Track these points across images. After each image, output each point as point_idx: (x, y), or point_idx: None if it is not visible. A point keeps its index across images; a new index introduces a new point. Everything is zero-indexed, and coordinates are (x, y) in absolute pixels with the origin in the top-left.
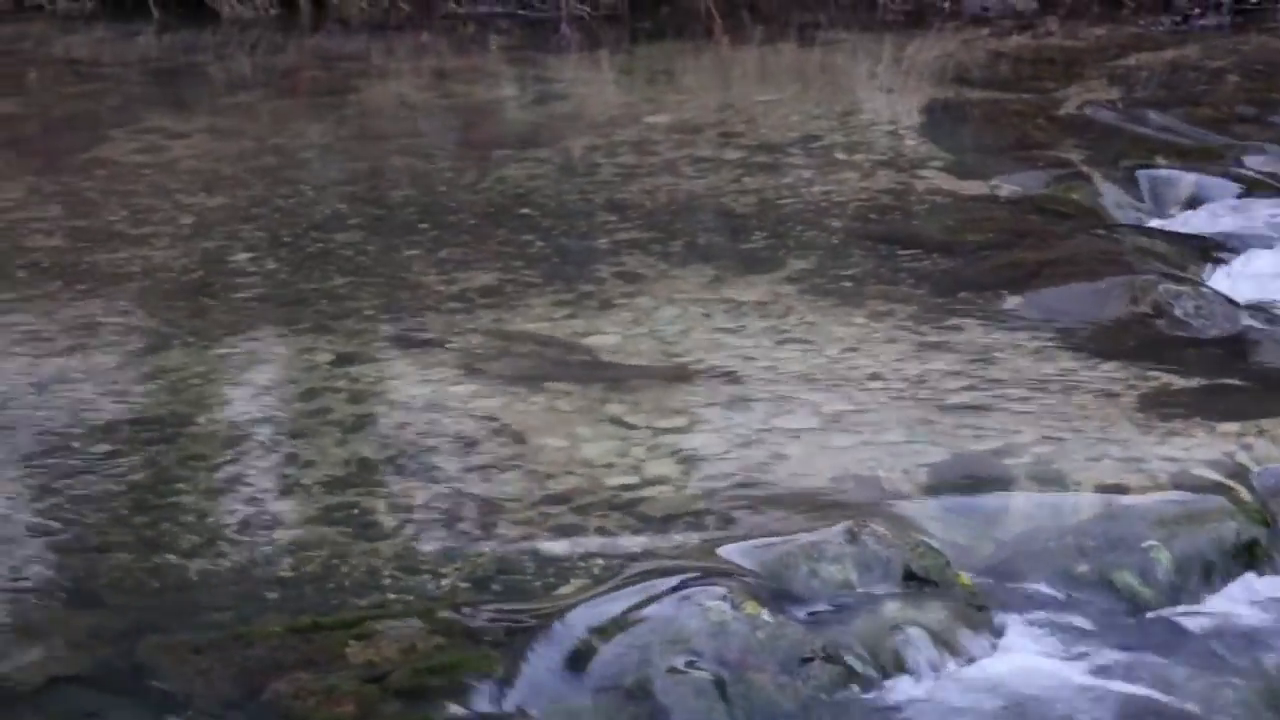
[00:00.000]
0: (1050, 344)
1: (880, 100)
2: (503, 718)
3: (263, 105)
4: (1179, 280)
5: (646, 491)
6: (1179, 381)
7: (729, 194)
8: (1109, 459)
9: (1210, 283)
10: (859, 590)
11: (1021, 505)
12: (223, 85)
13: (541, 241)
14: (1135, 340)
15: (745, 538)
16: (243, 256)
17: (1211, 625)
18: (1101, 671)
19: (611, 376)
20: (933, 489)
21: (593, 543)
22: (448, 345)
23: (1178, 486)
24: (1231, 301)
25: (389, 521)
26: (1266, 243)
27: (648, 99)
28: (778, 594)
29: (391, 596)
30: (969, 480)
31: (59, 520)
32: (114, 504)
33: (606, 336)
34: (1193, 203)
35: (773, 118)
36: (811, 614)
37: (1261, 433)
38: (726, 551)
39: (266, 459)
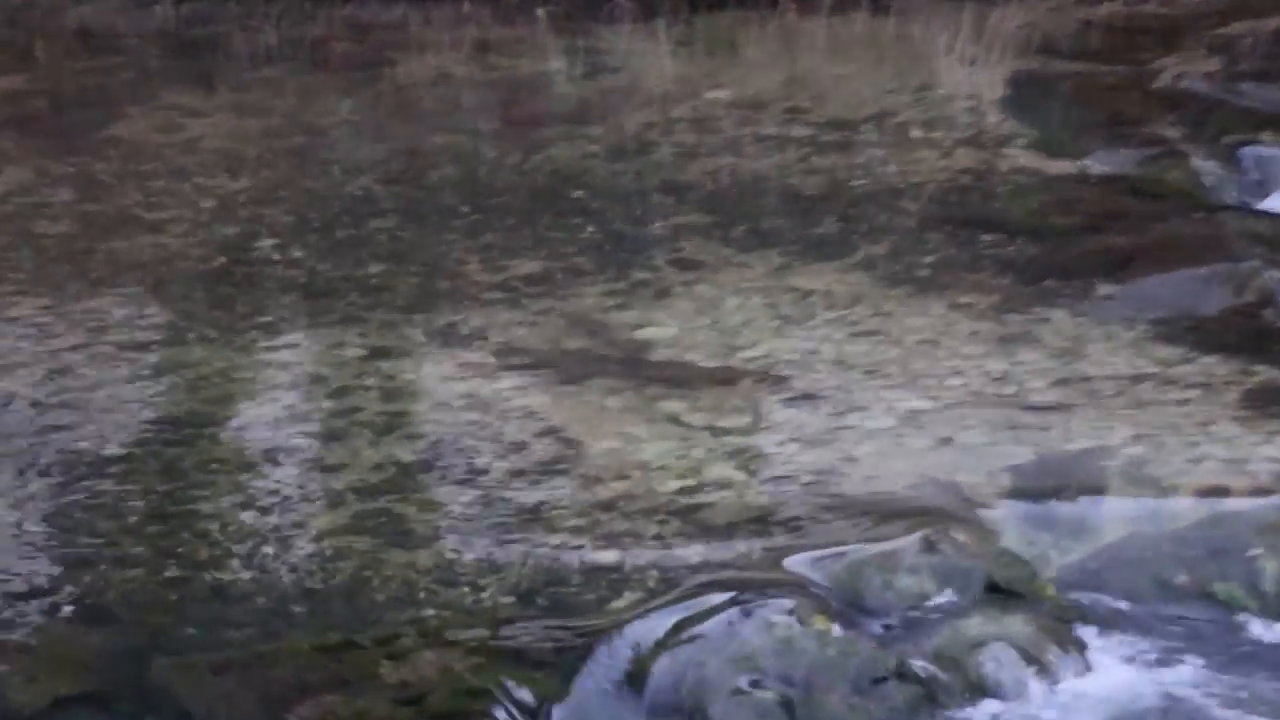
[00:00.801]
0: (1145, 336)
1: (960, 73)
2: None
3: (290, 80)
4: None
5: (706, 496)
6: None
7: (796, 175)
8: (1210, 460)
9: None
10: (937, 604)
11: (1114, 511)
12: (246, 58)
13: (592, 226)
14: (1239, 332)
15: (813, 547)
16: (267, 243)
17: None
18: (1202, 692)
19: (668, 372)
20: (1017, 493)
21: (647, 552)
22: (490, 338)
23: None
24: None
25: (425, 530)
26: None
27: (708, 72)
28: (849, 608)
29: (428, 612)
30: (1057, 484)
31: (67, 529)
32: (126, 511)
33: (663, 329)
34: None
35: (843, 92)
36: (885, 629)
37: None
38: (793, 562)
39: (292, 462)
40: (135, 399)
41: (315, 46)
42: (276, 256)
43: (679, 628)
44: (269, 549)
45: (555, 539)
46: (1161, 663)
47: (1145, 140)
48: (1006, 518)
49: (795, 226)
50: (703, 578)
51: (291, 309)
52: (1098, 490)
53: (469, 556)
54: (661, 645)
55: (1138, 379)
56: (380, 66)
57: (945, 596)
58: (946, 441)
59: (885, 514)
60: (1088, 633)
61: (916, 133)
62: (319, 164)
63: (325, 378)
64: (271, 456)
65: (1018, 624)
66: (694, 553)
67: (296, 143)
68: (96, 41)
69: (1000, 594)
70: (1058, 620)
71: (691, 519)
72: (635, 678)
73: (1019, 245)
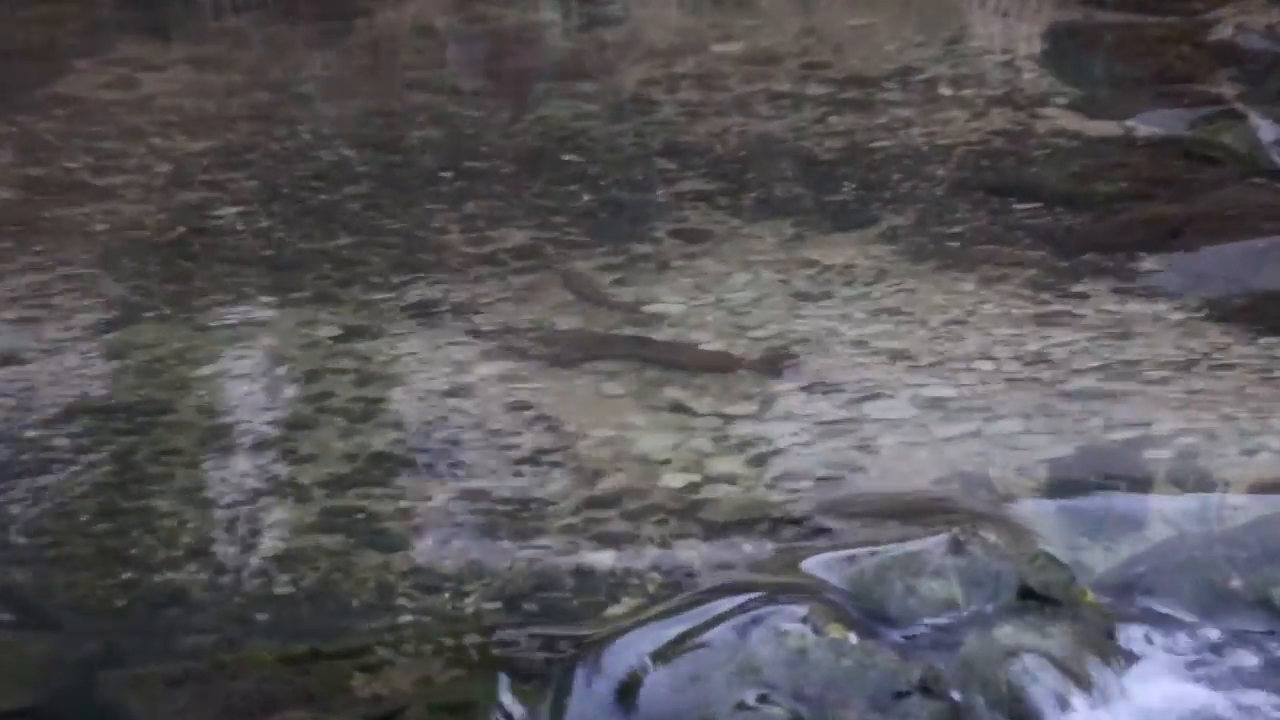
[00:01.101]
0: (1196, 315)
1: (993, 24)
2: None
3: (254, 31)
4: None
5: (711, 492)
6: None
7: (812, 136)
8: (1267, 452)
9: None
10: (966, 610)
11: (1161, 508)
12: (207, 7)
13: (588, 193)
14: None
15: (829, 548)
16: (230, 211)
17: None
18: (1258, 709)
19: (670, 354)
20: (1054, 489)
21: (647, 554)
22: (475, 317)
23: None
24: None
25: (402, 529)
26: None
27: (715, 23)
28: (868, 615)
29: (405, 619)
30: (1098, 479)
31: (6, 527)
32: (74, 508)
33: (665, 306)
34: None
35: (864, 46)
36: (908, 639)
37: None
38: (807, 565)
39: (257, 454)
40: (83, 383)
41: None
42: (240, 226)
43: (681, 636)
44: (230, 549)
45: (546, 539)
46: (1213, 677)
47: (1197, 99)
48: (1042, 516)
49: (811, 194)
50: (707, 582)
51: (256, 284)
52: (1143, 486)
53: (450, 558)
54: (661, 655)
55: (1188, 363)
56: (354, 17)
57: (974, 603)
58: (976, 432)
59: (908, 512)
60: (1132, 643)
61: (945, 90)
62: (286, 124)
63: (293, 360)
64: (234, 447)
65: (1054, 633)
66: (698, 554)
67: (261, 100)
68: None
69: (1035, 600)
70: (1098, 629)
71: (695, 517)
72: (632, 691)
73: (1057, 215)
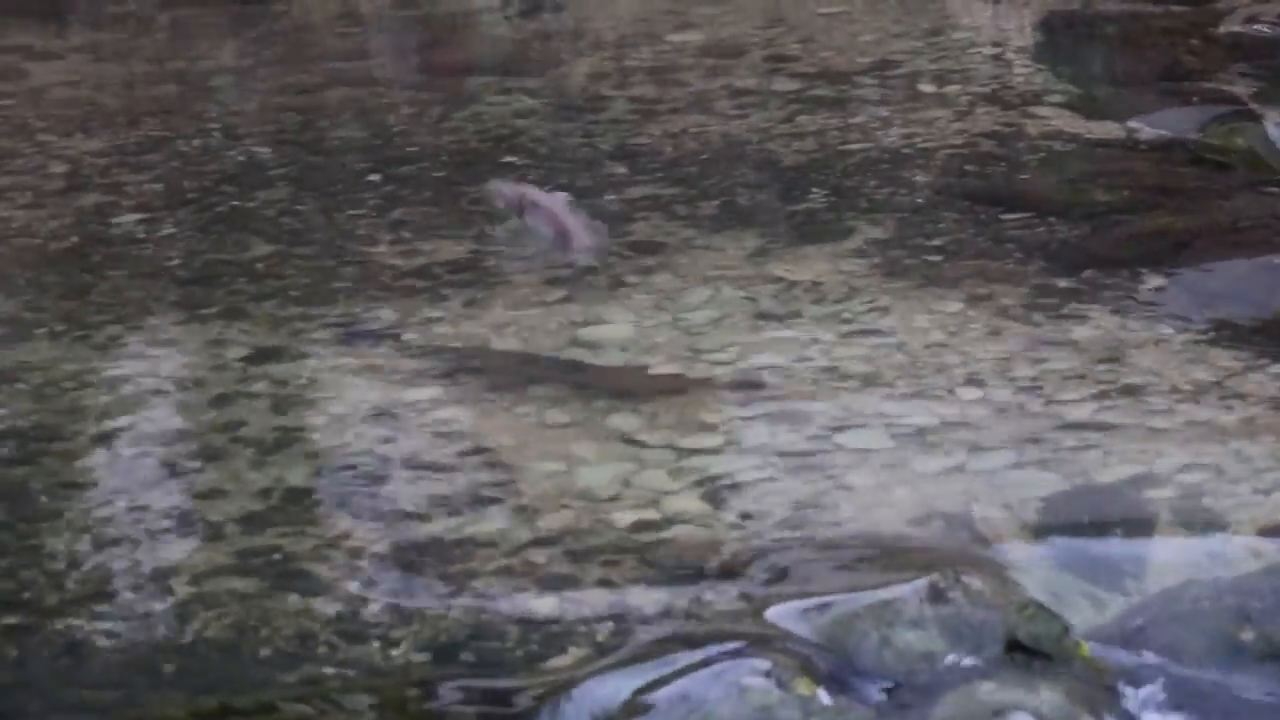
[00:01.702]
0: (1204, 339)
1: (981, 13)
2: None
3: (158, 15)
4: None
5: (666, 533)
6: None
7: (779, 138)
8: None
9: None
10: (947, 664)
11: (1164, 553)
12: None
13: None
14: None
15: (795, 595)
16: (130, 218)
17: None
18: None
19: (620, 380)
20: (1046, 531)
21: (594, 599)
22: (404, 338)
23: None
24: None
25: (324, 571)
26: None
27: (671, 10)
28: (838, 669)
29: (327, 670)
30: (1094, 520)
31: None
32: None
33: (614, 327)
34: None
35: (838, 36)
36: (884, 695)
37: None
38: (771, 613)
39: (162, 487)
40: None
41: None
42: (142, 234)
43: (632, 692)
44: (132, 593)
45: (482, 582)
46: None
47: (1208, 98)
48: (1032, 560)
49: (777, 202)
50: (661, 631)
51: (160, 299)
52: (1144, 528)
53: (376, 603)
54: (611, 713)
55: (1195, 391)
56: (270, 1)
57: (956, 656)
58: (959, 467)
59: (883, 555)
60: (1131, 702)
61: (927, 87)
62: (195, 120)
63: (202, 383)
64: (136, 479)
65: (1045, 691)
66: (651, 601)
67: (167, 93)
68: None
69: (1024, 654)
70: (1095, 686)
71: (648, 559)
72: None
73: (1051, 226)
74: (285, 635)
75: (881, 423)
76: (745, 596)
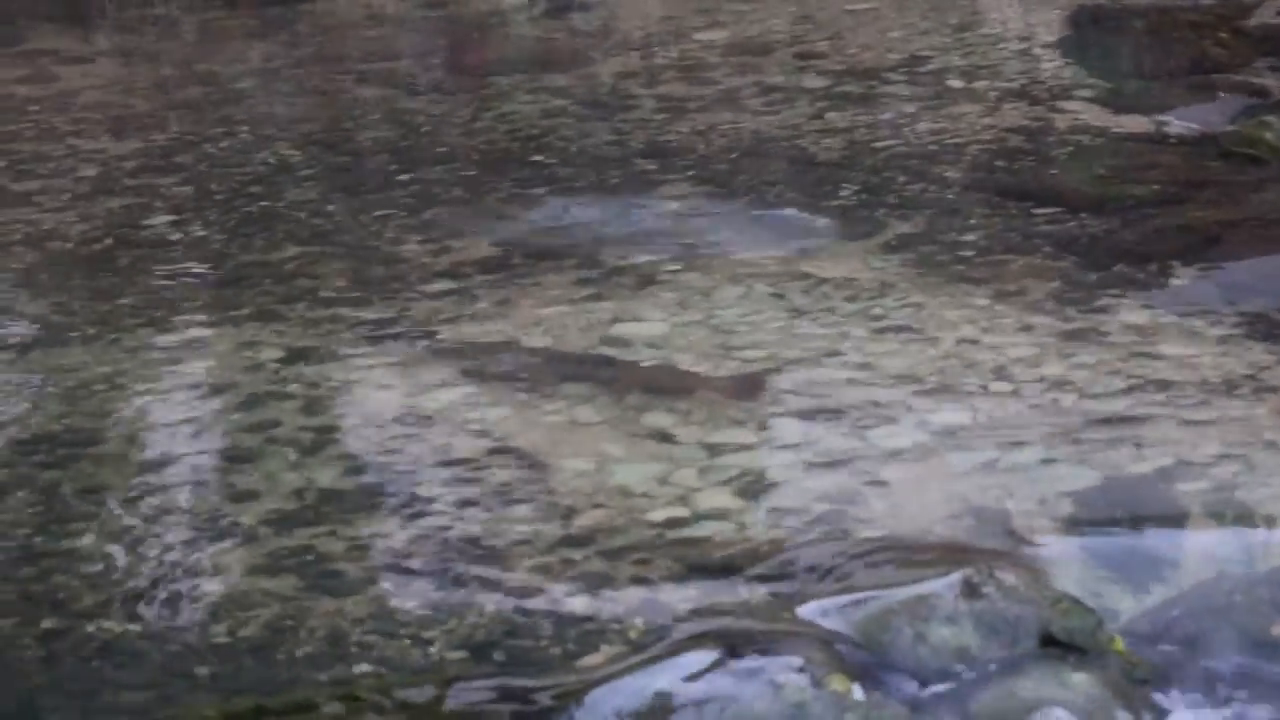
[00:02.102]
0: (1235, 332)
1: (1009, 8)
2: None
3: (187, 19)
4: None
5: (698, 530)
6: None
7: (808, 135)
8: None
9: None
10: (981, 660)
11: (1197, 546)
12: None
13: (559, 198)
14: None
15: (829, 591)
16: (161, 220)
17: None
18: None
19: (652, 378)
20: (1078, 526)
21: (628, 597)
22: (435, 337)
23: None
24: None
25: (357, 571)
26: None
27: (701, 9)
28: (873, 665)
29: (360, 669)
30: (1127, 514)
31: None
32: None
33: (646, 325)
34: None
35: (866, 33)
36: (918, 691)
37: None
38: (805, 609)
39: (195, 489)
40: (0, 411)
41: None
42: (173, 236)
43: (666, 689)
44: (166, 595)
45: (516, 581)
46: None
47: (1237, 91)
48: (1065, 555)
49: (807, 199)
50: (695, 628)
51: (192, 301)
52: (1177, 521)
53: (410, 603)
54: (644, 710)
55: (1226, 385)
56: (299, 2)
57: (990, 651)
58: (992, 462)
59: (917, 551)
60: (1165, 696)
61: (955, 83)
62: (224, 123)
63: (234, 385)
64: (168, 482)
65: (1080, 685)
66: (684, 598)
67: (195, 96)
68: None
69: (1058, 648)
70: (1128, 680)
71: (681, 557)
72: None
73: (1081, 221)
74: (319, 635)
75: (913, 418)
76: (778, 593)
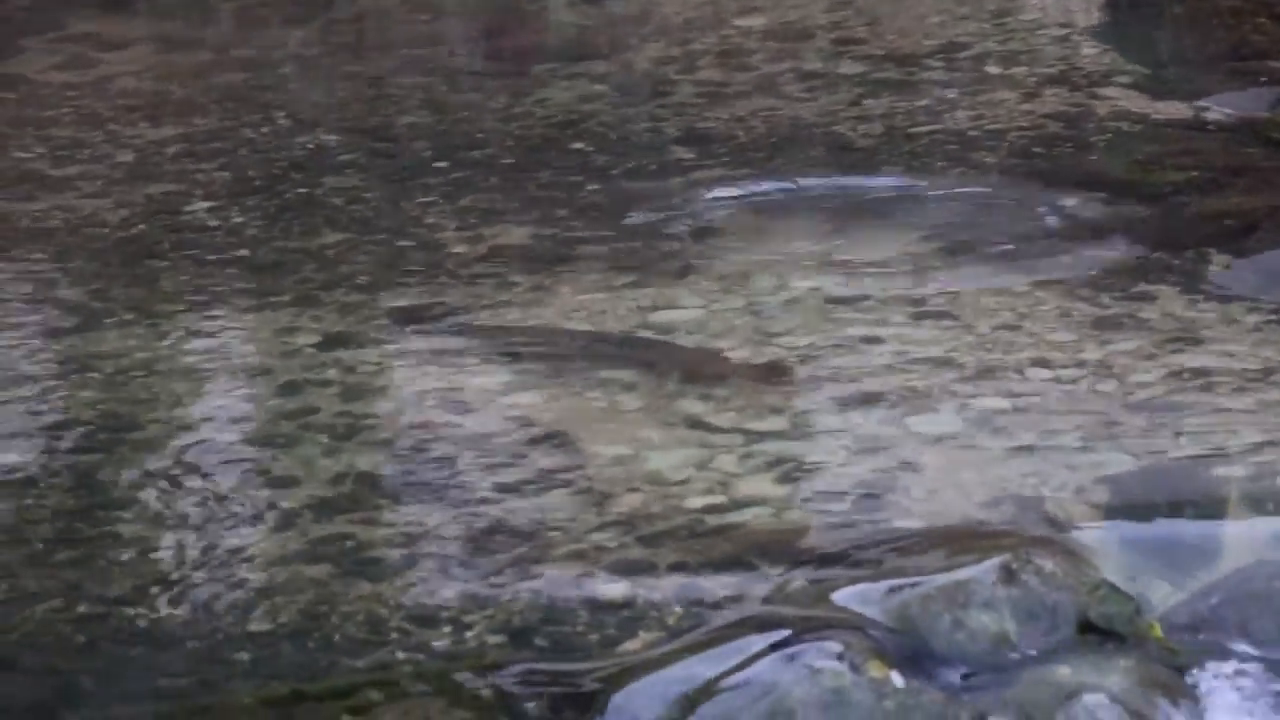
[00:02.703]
0: (1274, 319)
1: None
2: None
3: (225, 4)
4: None
5: (736, 516)
6: None
7: (845, 121)
8: None
9: None
10: (1019, 646)
11: (1236, 533)
12: None
13: (596, 185)
14: None
15: (867, 577)
16: (200, 206)
17: None
18: None
19: (690, 364)
20: (1117, 512)
21: (665, 584)
22: (472, 323)
23: None
24: None
25: (395, 556)
26: None
27: None
28: (910, 652)
29: (398, 655)
30: (1165, 500)
31: None
32: (28, 535)
33: (683, 311)
34: None
35: (904, 19)
36: (955, 677)
37: None
38: (842, 596)
39: (232, 475)
40: (39, 398)
41: None
42: (211, 222)
43: (705, 675)
44: (204, 580)
45: (554, 567)
46: None
47: (1276, 77)
48: (1103, 542)
49: (844, 185)
50: (732, 615)
51: (230, 287)
52: (1216, 508)
53: (448, 588)
54: (684, 696)
55: (1265, 371)
56: None
57: (1029, 637)
58: (1029, 448)
59: (954, 537)
60: (1204, 682)
61: (993, 69)
62: (262, 109)
63: (272, 371)
64: (206, 467)
65: (1118, 671)
66: (721, 584)
67: (233, 82)
68: None
69: (1096, 635)
70: (1167, 667)
71: (719, 543)
72: None
73: (1119, 208)
74: (356, 621)
75: (951, 405)
76: (815, 579)
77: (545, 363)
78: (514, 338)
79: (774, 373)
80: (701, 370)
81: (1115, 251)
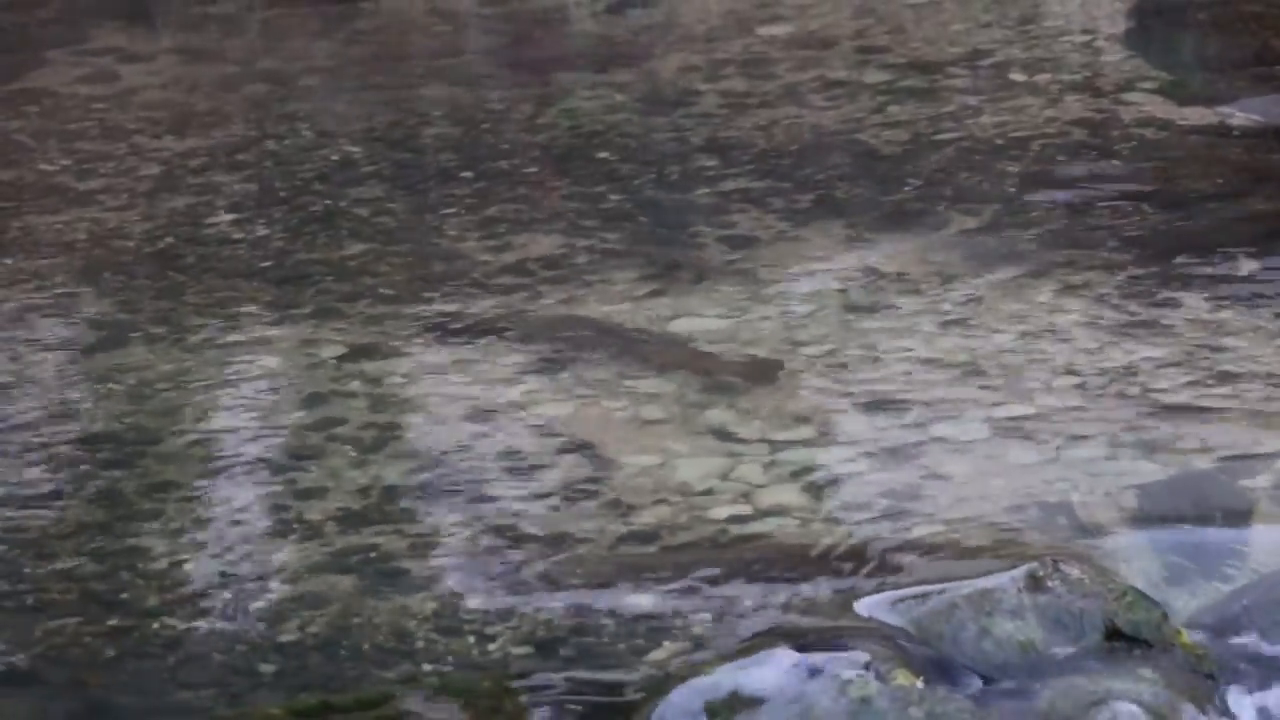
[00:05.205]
0: None
1: (1072, 1)
2: None
3: (248, 16)
4: None
5: (761, 525)
6: None
7: (870, 129)
8: None
9: None
10: (1046, 653)
11: (1264, 539)
12: None
13: (620, 195)
14: None
15: (893, 586)
16: (224, 219)
17: None
18: None
19: (714, 373)
20: (1144, 518)
21: (691, 594)
22: (498, 334)
23: None
24: None
25: (421, 568)
26: None
27: (761, 3)
28: (938, 661)
29: (425, 666)
30: (1192, 507)
31: None
32: (55, 549)
33: (707, 320)
34: None
35: (927, 26)
36: (982, 686)
37: None
38: (868, 605)
39: (258, 487)
40: (64, 411)
41: None
42: (235, 235)
43: (732, 685)
44: (230, 593)
45: (579, 578)
46: None
47: None
48: (1130, 548)
49: (869, 193)
50: (758, 624)
51: (254, 299)
52: (1243, 514)
53: (474, 599)
54: (709, 708)
55: None
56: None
57: (1056, 645)
58: (1055, 455)
59: (981, 545)
60: (1232, 689)
61: (1017, 76)
62: (286, 121)
63: (297, 383)
64: (232, 480)
65: (1146, 679)
66: (747, 594)
67: (258, 94)
68: None
69: (1124, 642)
70: (1195, 673)
71: (744, 553)
72: None
73: (1144, 213)
74: (383, 632)
75: (977, 412)
76: (841, 589)
77: (553, 347)
78: (527, 327)
79: (763, 369)
80: (694, 366)
81: (1141, 257)
